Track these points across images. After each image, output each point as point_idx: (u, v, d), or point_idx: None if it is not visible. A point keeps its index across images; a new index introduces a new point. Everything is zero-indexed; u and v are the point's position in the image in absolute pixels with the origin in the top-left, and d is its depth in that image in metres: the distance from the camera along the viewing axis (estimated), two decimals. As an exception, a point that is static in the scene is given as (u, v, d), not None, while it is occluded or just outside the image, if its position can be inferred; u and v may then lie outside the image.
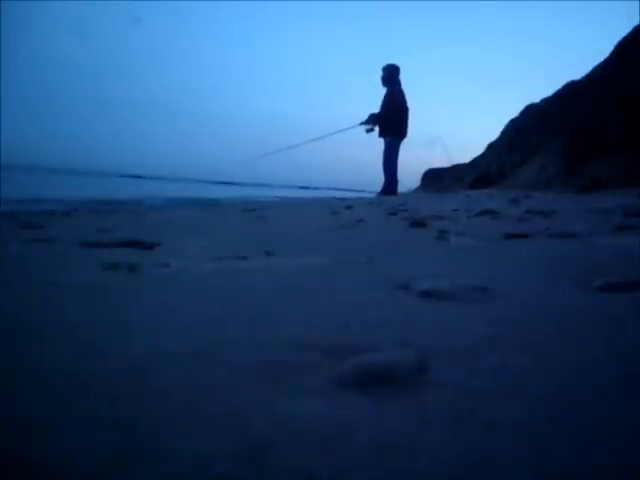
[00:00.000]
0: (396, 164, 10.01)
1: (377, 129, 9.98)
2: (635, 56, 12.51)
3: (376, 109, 9.98)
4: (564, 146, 12.56)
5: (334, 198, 10.54)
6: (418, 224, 2.90)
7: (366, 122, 9.93)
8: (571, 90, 16.84)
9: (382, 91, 10.08)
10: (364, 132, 9.95)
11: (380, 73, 10.04)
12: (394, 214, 4.17)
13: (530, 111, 20.84)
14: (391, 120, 9.77)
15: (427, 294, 1.05)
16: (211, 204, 7.68)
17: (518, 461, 0.44)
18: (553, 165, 12.89)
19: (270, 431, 0.48)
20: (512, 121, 22.64)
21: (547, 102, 19.14)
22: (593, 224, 2.79)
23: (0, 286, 1.23)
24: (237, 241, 2.27)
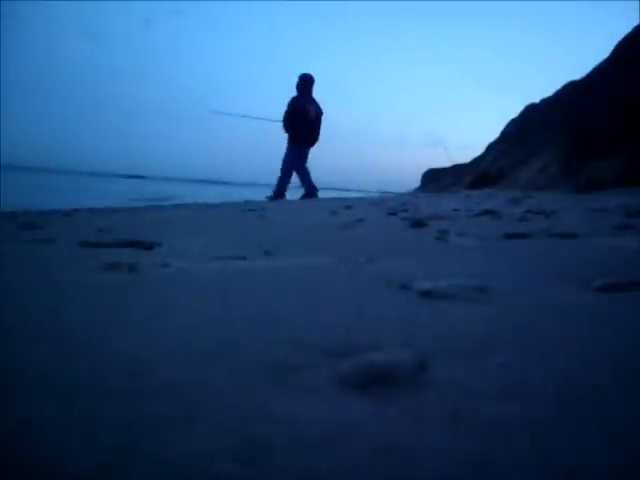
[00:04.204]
0: (290, 169, 9.75)
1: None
2: (635, 56, 12.50)
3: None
4: (564, 146, 12.56)
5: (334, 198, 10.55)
6: (418, 224, 2.90)
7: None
8: (571, 90, 16.83)
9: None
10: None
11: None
12: (394, 214, 4.17)
13: (530, 111, 20.84)
14: (287, 126, 9.67)
15: (427, 294, 1.05)
16: (209, 204, 7.69)
17: (519, 461, 0.44)
18: (553, 165, 12.89)
19: (270, 431, 0.48)
20: (512, 121, 22.64)
21: (547, 102, 19.14)
22: (593, 224, 2.79)
23: (0, 286, 1.22)
24: (237, 241, 2.27)
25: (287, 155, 9.87)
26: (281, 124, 9.84)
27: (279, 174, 9.88)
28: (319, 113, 9.98)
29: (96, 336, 0.78)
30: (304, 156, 9.96)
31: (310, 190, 9.89)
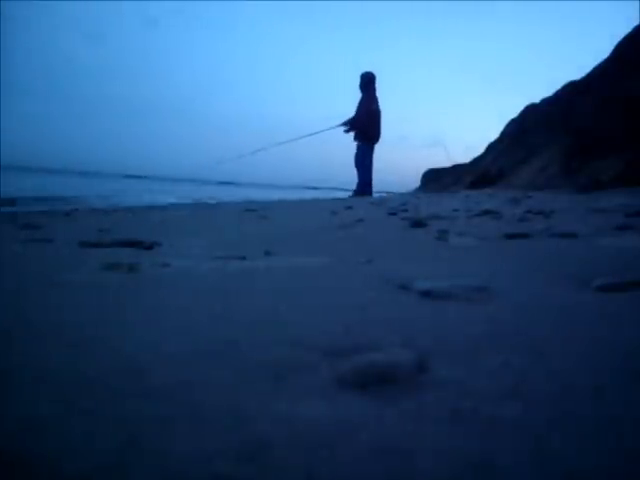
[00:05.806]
0: (369, 167, 10.33)
1: (352, 133, 10.32)
2: (635, 56, 12.51)
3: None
4: (564, 146, 12.57)
5: (336, 199, 10.68)
6: (418, 224, 2.90)
7: (344, 124, 10.26)
8: (571, 90, 16.84)
9: (359, 95, 10.39)
10: (343, 132, 10.34)
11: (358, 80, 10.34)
12: (394, 214, 4.17)
13: (530, 111, 20.85)
14: (361, 127, 10.09)
15: (427, 294, 1.05)
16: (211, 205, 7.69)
17: (519, 461, 0.44)
18: (553, 165, 12.90)
19: (270, 431, 0.48)
20: (512, 121, 22.65)
21: (547, 102, 19.15)
22: (593, 224, 2.79)
23: (0, 286, 1.22)
24: (237, 241, 2.27)
25: (359, 154, 10.19)
26: (343, 126, 10.17)
27: (358, 173, 10.13)
28: (379, 111, 10.21)
29: (96, 336, 0.78)
30: (372, 154, 10.25)
31: (363, 190, 10.09)
